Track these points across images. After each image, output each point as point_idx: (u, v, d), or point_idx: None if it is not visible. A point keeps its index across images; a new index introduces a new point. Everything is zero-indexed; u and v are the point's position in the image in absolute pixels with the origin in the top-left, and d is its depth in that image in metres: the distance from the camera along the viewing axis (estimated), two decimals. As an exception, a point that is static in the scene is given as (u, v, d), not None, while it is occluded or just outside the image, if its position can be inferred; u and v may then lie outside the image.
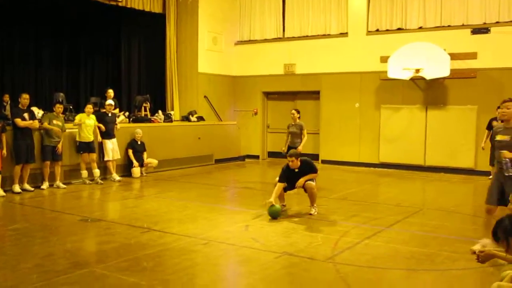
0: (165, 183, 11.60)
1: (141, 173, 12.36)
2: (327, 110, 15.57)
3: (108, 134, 11.58)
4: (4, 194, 9.39)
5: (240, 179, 12.99)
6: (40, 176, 10.35)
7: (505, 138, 5.65)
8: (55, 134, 10.28)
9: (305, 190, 8.07)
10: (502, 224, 3.83)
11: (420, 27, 14.11)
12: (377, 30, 14.82)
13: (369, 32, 14.91)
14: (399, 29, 14.47)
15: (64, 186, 10.53)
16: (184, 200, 9.48)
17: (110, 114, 11.80)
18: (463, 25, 13.48)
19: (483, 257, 4.58)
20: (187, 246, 6.30)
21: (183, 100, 16.16)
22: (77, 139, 11.00)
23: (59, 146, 10.41)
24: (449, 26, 13.69)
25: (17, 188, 9.74)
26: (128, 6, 14.62)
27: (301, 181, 7.91)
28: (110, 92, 12.68)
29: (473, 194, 11.21)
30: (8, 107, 12.01)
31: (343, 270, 5.45)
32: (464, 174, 13.00)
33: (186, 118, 15.31)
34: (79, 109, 12.41)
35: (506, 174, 5.49)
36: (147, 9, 15.25)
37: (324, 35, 15.81)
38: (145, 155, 12.51)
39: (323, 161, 15.33)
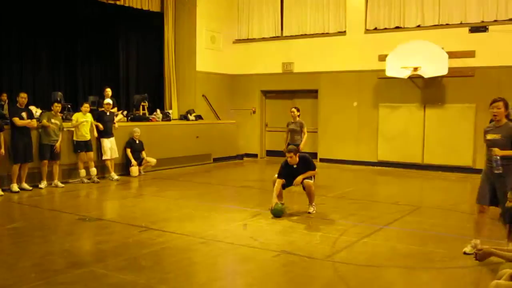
0: (163, 182, 11.60)
1: (139, 172, 12.36)
2: (325, 109, 15.57)
3: (106, 133, 11.57)
4: (2, 193, 9.38)
5: (238, 177, 13.00)
6: (38, 175, 10.34)
7: (496, 136, 5.70)
8: (52, 130, 10.26)
9: (304, 188, 8.07)
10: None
11: (418, 26, 14.12)
12: (375, 28, 14.83)
13: (367, 31, 14.92)
14: (397, 27, 14.47)
15: (62, 185, 10.52)
16: (182, 199, 9.48)
17: (108, 113, 11.80)
18: (461, 23, 13.50)
19: (481, 255, 4.60)
20: (186, 245, 6.30)
21: (181, 99, 16.15)
22: (74, 138, 10.99)
23: (57, 145, 10.40)
24: (447, 24, 13.70)
25: (15, 187, 9.73)
26: (126, 4, 14.62)
27: (298, 179, 7.91)
28: (108, 91, 12.67)
29: (471, 192, 11.10)
30: (6, 106, 12.00)
31: (342, 269, 5.46)
32: (462, 172, 13.01)
33: (184, 117, 15.30)
34: (77, 108, 12.37)
35: (496, 172, 5.53)
36: (145, 7, 15.26)
37: (322, 33, 15.80)
38: (144, 154, 12.51)
39: (321, 160, 15.34)
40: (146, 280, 4.99)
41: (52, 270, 5.27)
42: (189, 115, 15.21)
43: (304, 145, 10.81)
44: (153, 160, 12.61)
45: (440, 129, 13.61)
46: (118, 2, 14.17)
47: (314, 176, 8.24)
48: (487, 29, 13.07)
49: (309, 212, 8.05)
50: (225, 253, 6.09)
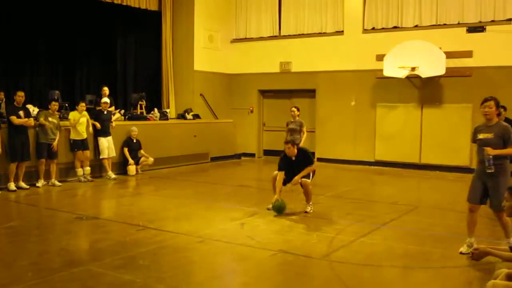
0: (161, 181, 11.59)
1: (137, 171, 12.34)
2: (323, 108, 15.58)
3: (103, 132, 11.56)
4: (-1, 192, 9.38)
5: (235, 177, 13.00)
6: (36, 173, 10.32)
7: (488, 136, 5.73)
8: (50, 129, 10.24)
9: (302, 186, 8.08)
10: None
11: (416, 26, 14.13)
12: (373, 28, 14.84)
13: (365, 31, 14.93)
14: (395, 27, 14.49)
15: (60, 184, 10.50)
16: (179, 198, 9.48)
17: (105, 112, 11.78)
18: (458, 23, 13.52)
19: (477, 255, 4.61)
20: (183, 244, 6.30)
21: (179, 98, 16.15)
22: (71, 136, 10.98)
23: (55, 144, 10.39)
24: (444, 24, 13.72)
25: (12, 186, 9.70)
26: (124, 3, 14.59)
27: (296, 179, 7.91)
28: (106, 90, 12.63)
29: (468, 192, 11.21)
30: (3, 105, 11.96)
31: (339, 268, 5.47)
32: (459, 172, 13.01)
33: (182, 116, 15.29)
34: (75, 107, 12.36)
35: (488, 171, 5.55)
36: (143, 6, 15.24)
37: (320, 33, 15.81)
38: (142, 152, 12.49)
39: (319, 159, 15.33)
40: (143, 279, 4.99)
41: (49, 268, 5.26)
42: (186, 114, 15.20)
43: (303, 145, 10.81)
44: (150, 159, 12.59)
45: (438, 129, 13.63)
46: (115, 1, 14.15)
47: (313, 173, 8.24)
48: (485, 29, 13.09)
49: (306, 212, 8.06)
50: (222, 252, 6.09)
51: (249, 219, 7.71)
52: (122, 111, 13.96)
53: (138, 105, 14.31)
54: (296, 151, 8.03)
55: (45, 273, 5.09)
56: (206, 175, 13.13)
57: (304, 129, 10.98)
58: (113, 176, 11.57)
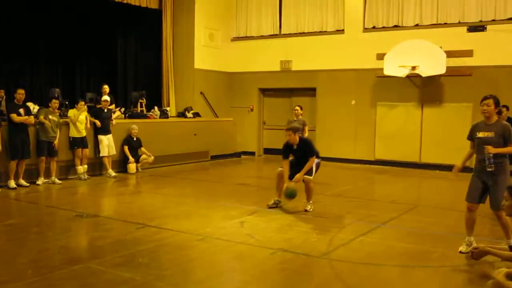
0: (161, 179, 11.59)
1: (137, 169, 12.34)
2: (323, 107, 15.58)
3: (103, 130, 11.56)
4: (-1, 189, 9.39)
5: (235, 175, 13.00)
6: (36, 171, 10.32)
7: (489, 134, 5.72)
8: (50, 127, 10.23)
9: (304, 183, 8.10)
10: None
11: (417, 25, 14.13)
12: (374, 27, 14.84)
13: (365, 29, 14.93)
14: (395, 26, 14.48)
15: (60, 181, 10.51)
16: (179, 196, 9.48)
17: (106, 110, 11.78)
18: (459, 22, 13.51)
19: (477, 254, 4.62)
20: (183, 242, 6.31)
21: (179, 96, 16.14)
22: (70, 134, 10.98)
23: (56, 142, 10.40)
24: (445, 23, 13.72)
25: (12, 183, 9.71)
26: (125, 1, 14.58)
27: (298, 176, 7.91)
28: (106, 88, 12.63)
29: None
30: (3, 103, 11.96)
31: (338, 267, 5.47)
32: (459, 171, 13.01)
33: (182, 114, 15.28)
34: (75, 105, 12.36)
35: (488, 170, 5.55)
36: (143, 5, 15.23)
37: (320, 32, 15.80)
38: (143, 150, 12.49)
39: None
40: (143, 276, 4.99)
41: (49, 266, 5.26)
42: (187, 112, 15.19)
43: None
44: (151, 157, 12.58)
45: (438, 128, 13.64)
46: (116, -1, 14.16)
47: (318, 166, 8.21)
48: (485, 28, 13.09)
49: (306, 210, 8.07)
50: (222, 251, 6.09)
51: (249, 217, 7.71)
52: (122, 109, 13.95)
53: (138, 103, 14.30)
54: (297, 138, 8.05)
55: (45, 271, 5.09)
56: (206, 174, 13.13)
57: (306, 128, 11.05)
58: (113, 174, 11.57)
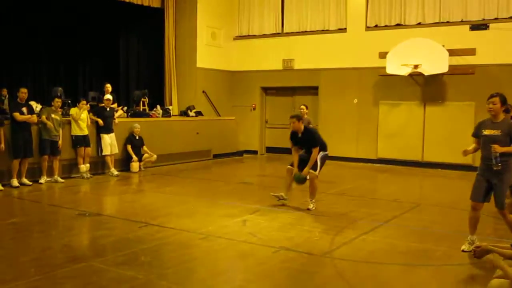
0: (163, 178, 11.60)
1: (140, 167, 12.36)
2: (326, 106, 15.57)
3: (106, 128, 11.58)
4: (2, 188, 9.39)
5: (238, 174, 13.01)
6: (39, 170, 10.34)
7: (496, 132, 5.70)
8: (51, 127, 10.25)
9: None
10: None
11: (419, 23, 14.11)
12: (376, 26, 14.82)
13: (368, 28, 14.91)
14: (398, 25, 14.46)
15: (62, 180, 10.53)
16: (182, 195, 9.49)
17: (108, 109, 11.80)
18: (462, 21, 13.49)
19: (479, 253, 4.61)
20: (185, 241, 6.32)
21: (182, 95, 16.15)
22: (72, 133, 10.99)
23: (60, 142, 10.43)
24: (448, 22, 13.70)
25: (15, 182, 9.73)
26: (127, 0, 14.59)
27: (305, 171, 7.94)
28: (108, 87, 12.66)
29: (471, 190, 11.20)
30: (6, 101, 11.99)
31: (340, 265, 5.48)
32: (462, 170, 12.99)
33: (184, 113, 15.29)
34: (77, 104, 12.39)
35: (495, 168, 5.54)
36: (145, 3, 15.24)
37: (323, 30, 15.79)
38: (145, 149, 12.51)
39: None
40: (146, 275, 5.00)
41: (52, 264, 5.27)
42: (189, 111, 15.20)
43: None
44: (153, 156, 12.60)
45: (440, 127, 13.62)
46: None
47: (323, 160, 8.18)
48: (488, 26, 13.07)
49: (308, 209, 8.07)
50: (224, 249, 6.09)
51: (251, 216, 7.71)
52: (125, 108, 13.97)
53: (141, 102, 14.32)
54: (302, 126, 8.07)
55: (48, 269, 5.11)
56: (209, 172, 13.14)
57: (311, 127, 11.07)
58: (115, 172, 11.59)
